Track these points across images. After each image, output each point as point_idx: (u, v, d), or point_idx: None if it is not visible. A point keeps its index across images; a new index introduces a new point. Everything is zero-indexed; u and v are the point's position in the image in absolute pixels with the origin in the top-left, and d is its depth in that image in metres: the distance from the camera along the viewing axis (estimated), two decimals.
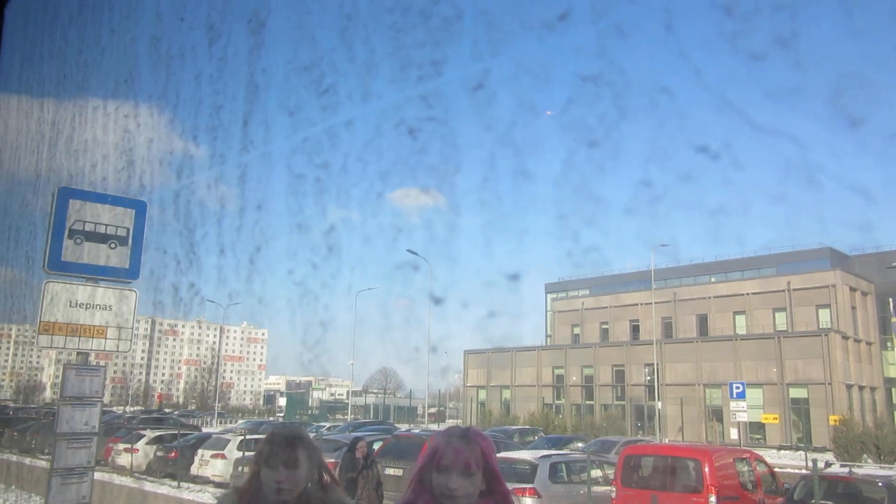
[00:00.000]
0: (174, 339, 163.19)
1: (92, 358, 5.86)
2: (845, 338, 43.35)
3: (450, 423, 66.11)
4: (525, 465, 12.16)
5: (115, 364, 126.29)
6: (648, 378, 47.85)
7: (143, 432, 22.18)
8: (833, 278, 46.07)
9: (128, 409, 71.34)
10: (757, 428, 41.90)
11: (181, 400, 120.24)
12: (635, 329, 54.52)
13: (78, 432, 5.49)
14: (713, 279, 54.77)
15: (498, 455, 2.95)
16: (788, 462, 27.54)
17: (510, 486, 2.57)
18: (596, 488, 12.18)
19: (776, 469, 13.39)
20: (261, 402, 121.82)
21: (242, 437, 17.65)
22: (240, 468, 15.89)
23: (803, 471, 17.37)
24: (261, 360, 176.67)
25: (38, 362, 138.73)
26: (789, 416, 42.13)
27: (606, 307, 56.90)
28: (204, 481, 17.51)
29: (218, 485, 16.96)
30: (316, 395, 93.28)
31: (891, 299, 42.54)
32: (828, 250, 52.31)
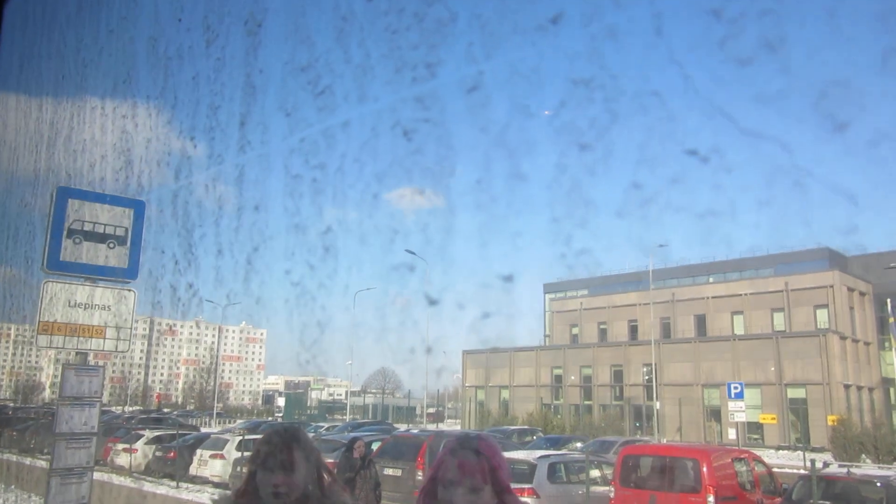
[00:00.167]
0: (173, 339, 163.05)
1: (91, 358, 5.85)
2: (843, 338, 43.40)
3: (449, 423, 66.11)
4: (523, 465, 12.17)
5: (114, 364, 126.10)
6: (647, 378, 47.88)
7: (141, 432, 22.20)
8: (831, 279, 46.12)
9: (127, 409, 71.29)
10: (755, 428, 41.94)
11: (180, 400, 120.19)
12: (633, 329, 54.56)
13: (77, 432, 5.49)
14: (711, 279, 54.81)
15: None
16: (786, 462, 27.57)
17: None
18: (594, 488, 12.19)
19: (774, 469, 13.42)
20: (259, 402, 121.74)
21: (241, 438, 17.67)
22: (238, 468, 15.91)
23: (801, 471, 17.40)
24: (259, 360, 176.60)
25: (36, 362, 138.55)
26: (787, 416, 42.18)
27: (604, 307, 56.91)
28: (203, 481, 17.52)
29: (217, 485, 16.97)
30: (314, 395, 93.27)
31: (888, 300, 42.58)
32: (825, 251, 52.36)
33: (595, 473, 13.18)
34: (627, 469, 11.41)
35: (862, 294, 48.15)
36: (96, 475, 6.35)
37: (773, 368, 43.20)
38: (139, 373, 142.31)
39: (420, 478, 12.93)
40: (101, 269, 5.86)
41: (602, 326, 57.05)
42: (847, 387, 42.11)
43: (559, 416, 47.86)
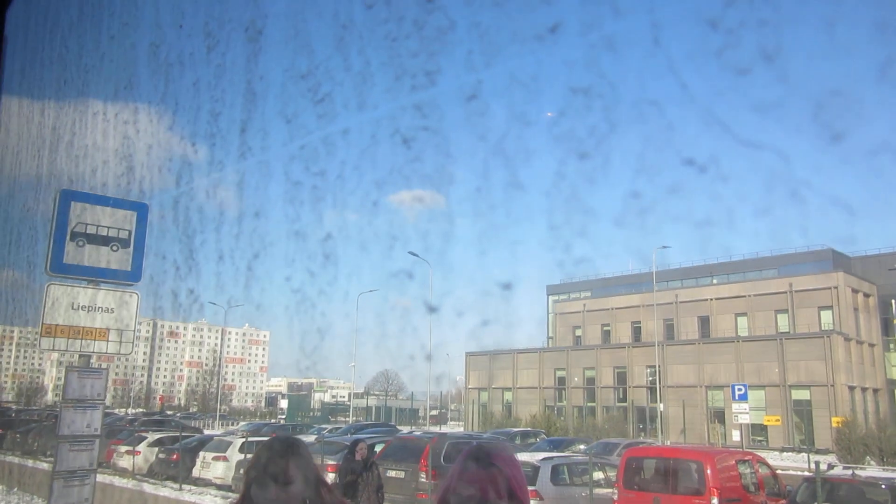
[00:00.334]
0: (176, 342, 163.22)
1: (94, 360, 5.86)
2: (847, 339, 43.27)
3: (452, 425, 66.02)
4: (527, 467, 12.14)
5: (117, 366, 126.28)
6: (650, 380, 47.80)
7: (144, 435, 22.21)
8: (835, 280, 45.99)
9: (129, 411, 71.38)
10: (759, 430, 41.83)
11: (183, 402, 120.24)
12: (637, 331, 54.49)
13: (80, 435, 5.49)
14: (714, 281, 54.72)
15: None
16: (791, 464, 27.49)
17: None
18: (598, 490, 12.16)
19: (778, 471, 13.37)
20: (262, 404, 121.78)
21: (244, 440, 17.66)
22: (241, 470, 15.90)
23: (806, 473, 17.36)
24: (262, 363, 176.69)
25: (40, 365, 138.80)
26: (791, 417, 42.05)
27: (608, 309, 56.86)
28: (205, 484, 17.52)
29: (219, 487, 16.97)
30: (317, 396, 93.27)
31: (893, 301, 42.47)
32: (829, 252, 52.22)
33: (598, 476, 13.15)
34: (631, 471, 11.39)
35: (866, 295, 48.01)
36: (99, 477, 6.35)
37: (776, 370, 43.08)
38: (142, 375, 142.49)
39: (423, 480, 12.91)
40: (105, 271, 5.87)
41: (605, 328, 56.97)
42: (851, 388, 41.98)
43: (562, 418, 47.81)
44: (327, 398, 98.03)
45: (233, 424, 53.09)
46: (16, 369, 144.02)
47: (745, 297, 49.33)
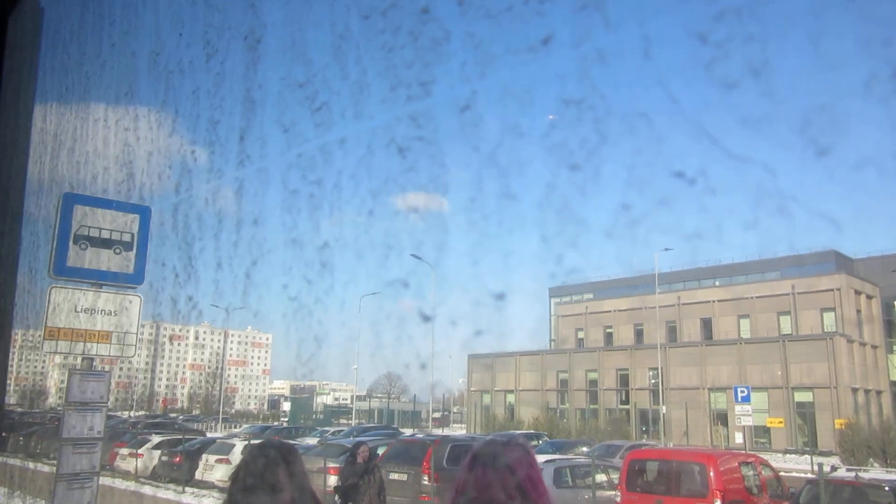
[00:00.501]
0: (178, 344, 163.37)
1: (97, 363, 5.87)
2: (850, 341, 43.17)
3: (454, 427, 65.96)
4: None
5: (120, 369, 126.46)
6: (653, 382, 47.72)
7: (147, 437, 22.24)
8: (838, 282, 45.90)
9: (132, 413, 71.44)
10: (762, 432, 41.74)
11: (186, 405, 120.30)
12: (639, 333, 54.41)
13: (83, 437, 5.50)
14: (717, 283, 54.64)
15: None
16: (794, 466, 27.41)
17: None
18: (601, 493, 12.15)
19: (781, 473, 13.34)
20: (265, 406, 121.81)
21: (247, 442, 17.66)
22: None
23: (809, 475, 17.32)
24: (265, 365, 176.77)
25: (42, 367, 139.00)
26: (795, 419, 41.96)
27: (610, 311, 56.80)
28: (208, 486, 17.52)
29: (222, 490, 16.96)
30: (320, 399, 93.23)
31: None
32: (832, 254, 52.13)
33: (601, 478, 13.14)
34: (634, 473, 11.37)
35: (869, 297, 47.89)
36: (102, 480, 6.36)
37: (779, 372, 42.99)
38: (145, 378, 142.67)
39: (425, 483, 12.89)
40: (107, 274, 5.88)
41: (608, 330, 56.91)
42: (855, 390, 41.87)
43: (565, 421, 47.77)
44: (330, 400, 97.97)
45: (236, 427, 53.11)
46: (19, 372, 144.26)
47: (747, 298, 49.24)
